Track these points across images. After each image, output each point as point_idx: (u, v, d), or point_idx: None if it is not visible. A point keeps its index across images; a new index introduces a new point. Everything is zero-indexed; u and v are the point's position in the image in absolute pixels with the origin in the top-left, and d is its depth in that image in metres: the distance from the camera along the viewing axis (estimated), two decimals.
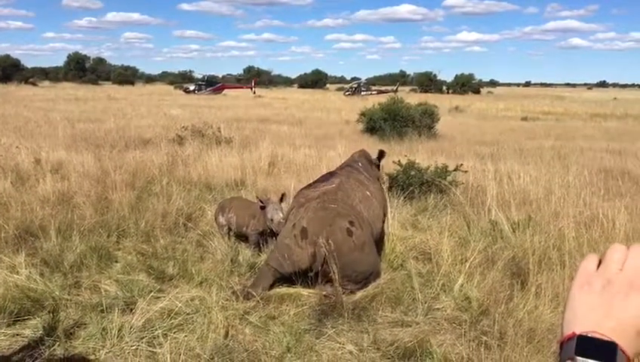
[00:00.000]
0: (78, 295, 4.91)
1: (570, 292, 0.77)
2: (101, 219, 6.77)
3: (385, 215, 5.98)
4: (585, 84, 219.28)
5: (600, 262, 0.76)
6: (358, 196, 5.48)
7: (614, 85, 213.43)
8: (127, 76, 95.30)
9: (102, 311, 4.46)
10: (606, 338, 0.70)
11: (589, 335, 0.71)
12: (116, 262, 5.79)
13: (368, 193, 5.63)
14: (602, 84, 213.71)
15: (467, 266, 5.24)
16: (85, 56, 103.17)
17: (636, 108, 38.50)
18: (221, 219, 6.43)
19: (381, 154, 6.70)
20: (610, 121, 27.73)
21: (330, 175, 5.95)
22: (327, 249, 4.79)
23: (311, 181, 6.15)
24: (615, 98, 64.08)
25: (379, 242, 5.70)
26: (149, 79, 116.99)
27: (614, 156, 13.25)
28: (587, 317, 0.73)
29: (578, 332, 0.72)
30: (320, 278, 5.02)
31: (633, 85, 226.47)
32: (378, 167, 6.61)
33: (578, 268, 0.78)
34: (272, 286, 5.07)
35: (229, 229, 6.37)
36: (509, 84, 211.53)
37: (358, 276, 4.99)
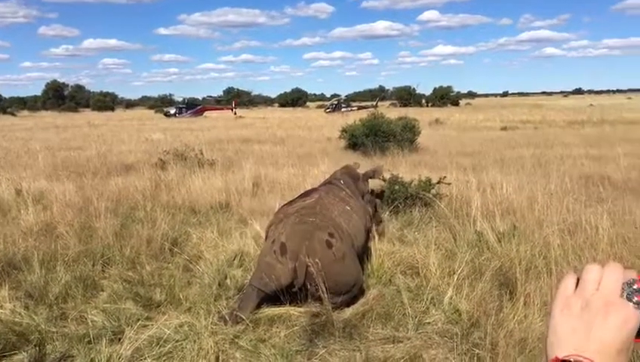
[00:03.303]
0: (65, 326, 4.83)
1: (551, 315, 0.77)
2: (85, 248, 6.68)
3: (368, 231, 5.99)
4: (561, 92, 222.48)
5: (578, 282, 0.77)
6: (338, 210, 5.50)
7: (589, 92, 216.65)
8: (107, 102, 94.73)
9: (89, 342, 4.39)
10: None
11: (572, 359, 0.71)
12: (102, 291, 5.72)
13: (348, 208, 5.65)
14: (578, 91, 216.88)
15: (455, 278, 5.26)
16: (63, 84, 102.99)
17: (612, 113, 39.11)
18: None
19: (374, 172, 6.77)
20: (587, 128, 28.07)
21: (310, 191, 5.99)
22: (314, 268, 4.77)
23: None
24: (591, 104, 64.96)
25: (362, 257, 5.69)
26: (129, 104, 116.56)
27: (594, 162, 13.43)
28: (569, 340, 0.73)
29: (561, 356, 0.72)
30: (304, 294, 5.01)
31: (608, 91, 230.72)
32: (367, 182, 6.64)
33: (557, 290, 0.78)
34: (259, 307, 5.03)
35: None
36: (486, 95, 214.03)
37: (340, 288, 4.97)
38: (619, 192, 9.18)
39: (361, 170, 6.84)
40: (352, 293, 5.15)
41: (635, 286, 0.72)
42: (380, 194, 7.81)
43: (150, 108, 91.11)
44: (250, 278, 5.30)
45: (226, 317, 4.83)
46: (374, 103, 58.27)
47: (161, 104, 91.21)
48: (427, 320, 4.82)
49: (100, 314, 5.02)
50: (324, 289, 4.71)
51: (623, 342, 0.71)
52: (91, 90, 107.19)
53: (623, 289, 0.73)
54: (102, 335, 4.46)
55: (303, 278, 4.87)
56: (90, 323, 4.83)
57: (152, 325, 4.60)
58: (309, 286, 4.91)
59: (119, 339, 4.44)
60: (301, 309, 5.02)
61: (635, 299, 0.72)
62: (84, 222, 7.72)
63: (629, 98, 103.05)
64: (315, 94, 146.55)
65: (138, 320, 4.78)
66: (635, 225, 6.54)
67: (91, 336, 4.43)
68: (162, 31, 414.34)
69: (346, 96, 75.31)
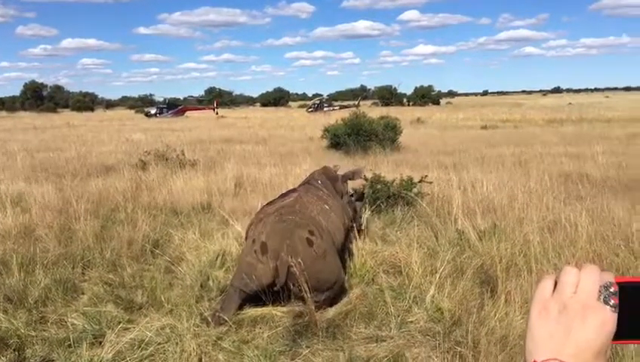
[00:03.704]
0: (44, 330, 4.76)
1: (529, 319, 0.77)
2: (65, 250, 6.61)
3: (347, 229, 5.99)
4: (540, 91, 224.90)
5: (555, 285, 0.77)
6: (317, 209, 5.51)
7: (568, 90, 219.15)
8: (87, 102, 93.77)
9: (69, 345, 4.35)
10: None
11: None
12: (82, 294, 5.65)
13: (327, 206, 5.67)
14: (557, 90, 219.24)
15: (437, 277, 5.29)
16: (42, 84, 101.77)
17: (590, 112, 39.63)
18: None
19: (353, 174, 6.79)
20: (566, 126, 28.42)
21: (289, 191, 6.01)
22: (296, 266, 4.77)
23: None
24: (570, 103, 65.80)
25: (341, 256, 5.70)
26: (109, 104, 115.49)
27: (572, 160, 13.59)
28: (547, 344, 0.73)
29: (539, 361, 0.73)
30: (286, 293, 5.00)
31: (586, 90, 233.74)
32: (345, 183, 6.65)
33: (534, 293, 0.78)
34: (242, 308, 5.02)
35: None
36: (467, 94, 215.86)
37: (322, 285, 4.97)
38: (597, 190, 9.30)
39: (341, 171, 6.86)
40: (334, 290, 5.15)
41: (611, 289, 0.73)
42: (360, 197, 7.78)
43: (130, 108, 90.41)
44: (231, 279, 5.28)
45: (209, 319, 4.81)
46: (356, 103, 58.34)
47: (141, 104, 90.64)
48: (410, 319, 4.84)
49: (81, 318, 4.95)
50: (307, 289, 4.71)
51: (601, 346, 0.72)
52: (70, 91, 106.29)
53: (600, 292, 0.73)
54: (82, 339, 4.41)
55: (284, 277, 4.86)
56: (70, 327, 4.77)
57: (134, 328, 4.56)
58: (291, 286, 4.90)
59: (100, 343, 4.40)
60: (284, 309, 5.02)
61: (612, 301, 0.72)
62: (63, 225, 7.63)
63: (607, 96, 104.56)
64: (297, 94, 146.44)
65: (119, 322, 4.73)
66: (613, 222, 6.64)
67: (72, 340, 4.38)
68: (142, 30, 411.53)
69: (328, 95, 75.59)
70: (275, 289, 4.95)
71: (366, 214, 7.41)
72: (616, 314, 0.72)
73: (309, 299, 4.73)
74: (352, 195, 7.06)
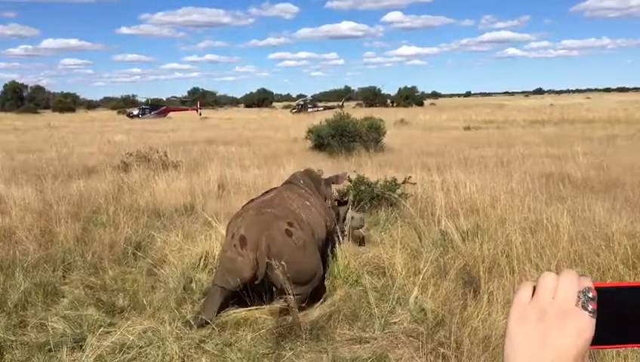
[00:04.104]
0: (24, 335, 4.70)
1: (507, 325, 0.77)
2: (45, 253, 6.52)
3: (329, 230, 5.97)
4: (522, 92, 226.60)
5: (534, 290, 0.77)
6: (297, 203, 5.50)
7: (550, 92, 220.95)
8: (68, 103, 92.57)
9: (49, 350, 4.29)
10: None
11: None
12: (63, 297, 5.58)
13: (308, 203, 5.67)
14: (539, 91, 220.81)
15: (421, 278, 5.31)
16: (22, 84, 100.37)
17: (571, 113, 40.09)
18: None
19: (337, 178, 6.77)
20: (548, 127, 28.70)
21: (270, 190, 6.02)
22: (282, 271, 4.74)
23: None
24: (551, 104, 66.49)
25: (323, 255, 5.68)
26: (91, 105, 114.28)
27: (554, 161, 13.73)
28: (525, 350, 0.73)
29: None
30: (267, 289, 4.98)
31: (568, 91, 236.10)
32: (329, 187, 6.64)
33: (513, 299, 0.78)
34: (224, 308, 4.98)
35: None
36: (450, 95, 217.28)
37: (301, 277, 4.95)
38: (578, 190, 9.41)
39: (325, 176, 6.84)
40: (313, 284, 5.13)
41: (590, 295, 0.73)
42: (344, 202, 7.70)
43: (113, 109, 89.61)
44: (213, 278, 5.24)
45: (191, 322, 4.77)
46: (340, 104, 58.37)
47: (124, 105, 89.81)
48: (393, 320, 4.84)
49: (61, 321, 4.89)
50: (286, 279, 4.67)
51: (579, 351, 0.71)
52: (52, 91, 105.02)
53: (578, 297, 0.73)
54: (63, 343, 4.36)
55: (264, 269, 4.82)
56: (50, 331, 4.71)
57: (115, 331, 4.51)
58: (271, 277, 4.85)
59: (81, 347, 4.35)
60: (267, 311, 4.99)
61: (590, 307, 0.72)
62: (44, 227, 7.53)
63: (588, 98, 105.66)
64: (281, 94, 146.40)
65: (100, 326, 4.69)
66: (594, 222, 6.71)
67: (52, 344, 4.33)
68: (124, 30, 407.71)
69: (312, 96, 75.65)
70: (256, 282, 4.91)
71: (349, 214, 7.39)
72: (594, 320, 0.72)
73: (290, 291, 4.69)
74: (335, 200, 7.04)
